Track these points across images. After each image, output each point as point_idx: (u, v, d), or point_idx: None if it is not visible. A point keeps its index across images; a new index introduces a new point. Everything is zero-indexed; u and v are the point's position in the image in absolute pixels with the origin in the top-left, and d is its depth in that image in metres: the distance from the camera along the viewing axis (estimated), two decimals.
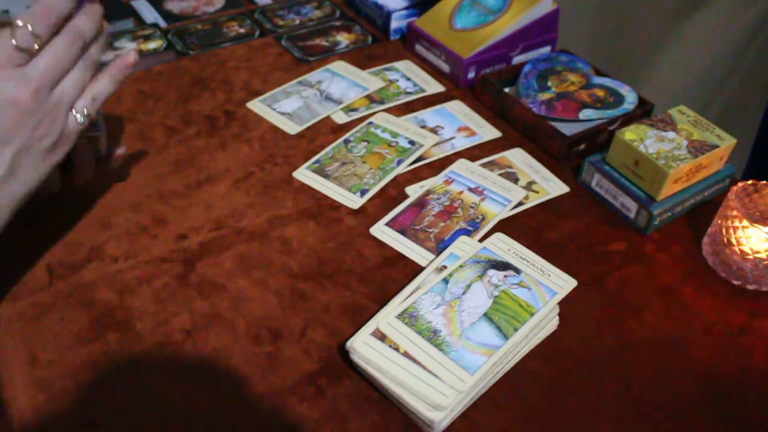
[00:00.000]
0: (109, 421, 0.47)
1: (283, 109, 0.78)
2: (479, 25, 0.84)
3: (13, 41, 0.43)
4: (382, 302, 0.54)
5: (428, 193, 0.67)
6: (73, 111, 0.48)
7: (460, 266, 0.54)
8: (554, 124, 0.73)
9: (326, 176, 0.69)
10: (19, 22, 0.43)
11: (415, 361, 0.47)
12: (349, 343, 0.49)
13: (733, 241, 0.59)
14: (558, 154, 0.72)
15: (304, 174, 0.69)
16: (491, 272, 0.53)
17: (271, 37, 0.93)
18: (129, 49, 0.65)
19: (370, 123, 0.76)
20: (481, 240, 0.58)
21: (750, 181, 0.61)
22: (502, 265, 0.54)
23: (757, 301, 0.59)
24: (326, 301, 0.56)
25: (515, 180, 0.70)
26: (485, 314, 0.50)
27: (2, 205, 0.46)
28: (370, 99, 0.81)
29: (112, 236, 0.60)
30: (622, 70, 1.15)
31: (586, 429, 0.49)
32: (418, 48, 0.89)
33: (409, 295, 0.52)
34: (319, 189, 0.67)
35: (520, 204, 0.67)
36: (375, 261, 0.60)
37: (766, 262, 0.58)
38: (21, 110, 0.43)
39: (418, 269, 0.58)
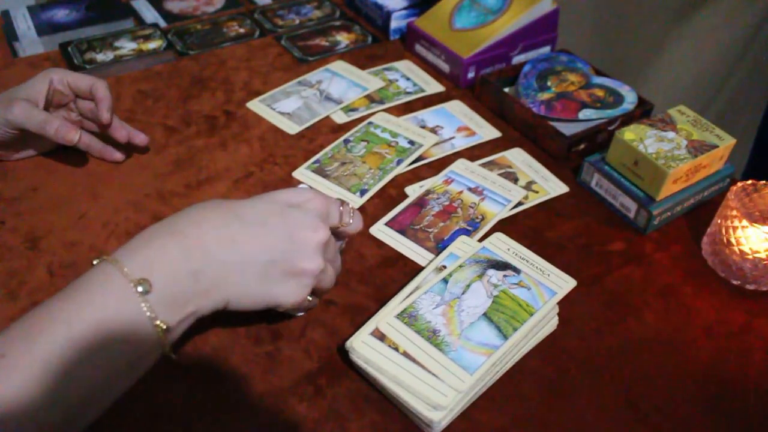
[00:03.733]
0: (109, 421, 0.47)
1: (283, 109, 0.78)
2: (479, 25, 0.84)
3: (347, 218, 0.51)
4: (382, 302, 0.54)
5: (428, 193, 0.67)
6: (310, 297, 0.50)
7: (460, 266, 0.54)
8: (554, 124, 0.73)
9: (326, 176, 0.69)
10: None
11: (414, 360, 0.47)
12: (348, 343, 0.49)
13: (733, 241, 0.59)
14: (558, 154, 0.72)
15: (303, 174, 0.69)
16: (491, 272, 0.53)
17: (271, 37, 0.93)
18: (143, 137, 0.69)
19: (370, 123, 0.76)
20: (480, 240, 0.58)
21: (750, 181, 0.61)
22: (502, 265, 0.54)
23: (756, 301, 0.59)
24: (326, 301, 0.56)
25: (515, 180, 0.70)
26: (485, 314, 0.50)
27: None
28: (370, 99, 0.81)
29: (112, 236, 0.60)
30: (622, 70, 1.15)
31: (586, 429, 0.49)
32: (418, 48, 0.89)
33: (409, 295, 0.52)
34: (319, 189, 0.67)
35: (519, 204, 0.67)
36: (374, 261, 0.60)
37: (765, 262, 0.58)
38: (318, 243, 0.47)
39: (417, 269, 0.58)
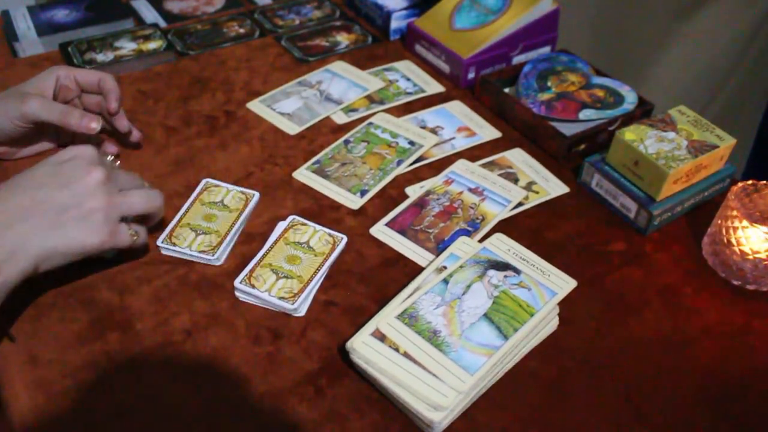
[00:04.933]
0: (109, 421, 0.47)
1: (283, 109, 0.78)
2: (479, 25, 0.84)
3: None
4: (382, 302, 0.54)
5: (428, 193, 0.67)
6: (128, 227, 0.55)
7: (460, 267, 0.54)
8: (554, 124, 0.73)
9: (326, 177, 0.69)
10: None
11: (414, 361, 0.47)
12: (349, 344, 0.49)
13: (733, 241, 0.59)
14: (558, 155, 0.72)
15: (303, 174, 0.69)
16: (491, 272, 0.53)
17: (271, 37, 0.93)
18: (137, 134, 0.71)
19: (370, 123, 0.76)
20: (481, 240, 0.58)
21: (750, 181, 0.61)
22: (502, 266, 0.54)
23: (756, 301, 0.59)
24: (326, 302, 0.56)
25: (515, 180, 0.70)
26: (485, 314, 0.50)
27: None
28: (370, 99, 0.81)
29: None
30: (622, 70, 1.14)
31: (586, 429, 0.49)
32: (418, 48, 0.89)
33: (409, 296, 0.52)
34: (319, 189, 0.67)
35: (520, 204, 0.67)
36: (375, 261, 0.60)
37: (765, 263, 0.58)
38: (96, 182, 0.52)
39: (418, 269, 0.58)
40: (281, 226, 0.60)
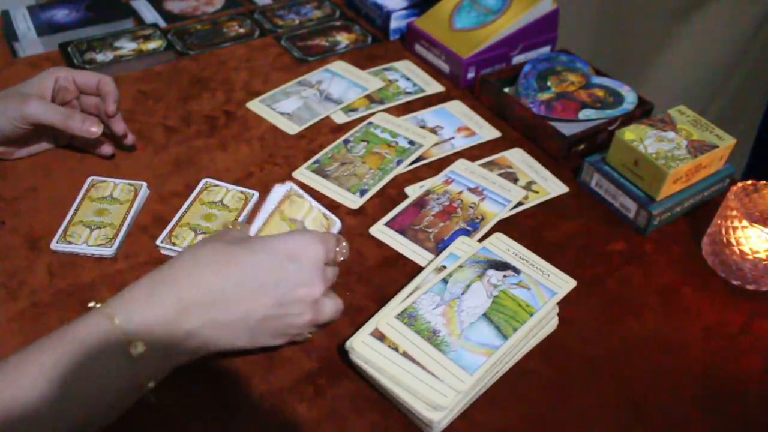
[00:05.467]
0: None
1: (283, 109, 0.78)
2: (479, 25, 0.84)
3: (341, 257, 0.51)
4: (382, 302, 0.54)
5: (428, 193, 0.67)
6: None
7: (460, 266, 0.54)
8: (554, 124, 0.73)
9: (326, 176, 0.69)
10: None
11: (414, 361, 0.47)
12: (348, 343, 0.49)
13: (733, 241, 0.59)
14: (558, 154, 0.72)
15: (303, 174, 0.69)
16: (490, 272, 0.53)
17: (271, 37, 0.93)
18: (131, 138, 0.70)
19: (370, 123, 0.76)
20: (480, 240, 0.58)
21: (750, 181, 0.61)
22: (502, 265, 0.54)
23: (756, 301, 0.59)
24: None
25: (515, 180, 0.70)
26: (484, 314, 0.50)
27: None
28: (370, 99, 0.81)
29: None
30: (622, 70, 1.14)
31: (586, 429, 0.49)
32: (418, 48, 0.89)
33: (409, 295, 0.52)
34: (319, 189, 0.67)
35: (519, 204, 0.67)
36: (374, 261, 0.60)
37: (765, 263, 0.58)
38: (311, 318, 0.48)
39: (417, 269, 0.58)
40: (196, 189, 0.64)
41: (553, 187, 0.69)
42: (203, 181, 0.65)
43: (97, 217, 0.60)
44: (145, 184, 0.64)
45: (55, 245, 0.58)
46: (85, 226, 0.60)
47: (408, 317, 0.50)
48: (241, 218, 0.61)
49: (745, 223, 0.58)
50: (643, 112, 0.75)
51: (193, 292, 0.43)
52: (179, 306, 0.43)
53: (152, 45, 0.87)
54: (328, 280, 0.49)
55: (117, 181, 0.65)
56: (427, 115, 0.79)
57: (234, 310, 0.45)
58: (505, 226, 0.64)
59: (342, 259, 0.51)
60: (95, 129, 0.63)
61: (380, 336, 0.49)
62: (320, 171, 0.69)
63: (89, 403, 0.40)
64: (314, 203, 0.57)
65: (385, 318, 0.50)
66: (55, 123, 0.62)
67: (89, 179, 0.65)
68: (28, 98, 0.61)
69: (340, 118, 0.77)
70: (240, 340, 0.46)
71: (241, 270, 0.45)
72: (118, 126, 0.68)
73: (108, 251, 0.58)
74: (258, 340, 0.47)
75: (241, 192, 0.64)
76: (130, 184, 0.64)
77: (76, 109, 0.67)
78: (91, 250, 0.58)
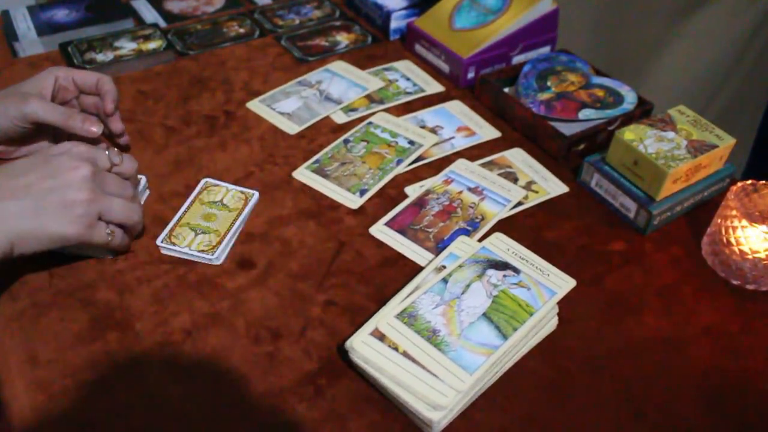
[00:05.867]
0: (109, 421, 0.47)
1: (283, 109, 0.78)
2: (479, 25, 0.84)
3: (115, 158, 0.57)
4: (382, 302, 0.54)
5: (428, 193, 0.67)
6: (107, 226, 0.55)
7: (460, 266, 0.54)
8: (554, 124, 0.73)
9: (326, 176, 0.69)
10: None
11: (414, 360, 0.47)
12: (348, 343, 0.49)
13: (733, 241, 0.59)
14: (557, 154, 0.72)
15: (303, 174, 0.69)
16: (490, 272, 0.53)
17: (271, 37, 0.93)
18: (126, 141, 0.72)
19: (370, 123, 0.76)
20: (480, 240, 0.58)
21: (750, 181, 0.61)
22: (502, 265, 0.54)
23: (756, 301, 0.59)
24: (326, 301, 0.56)
25: (515, 180, 0.70)
26: (484, 314, 0.50)
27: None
28: (370, 99, 0.81)
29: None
30: (622, 70, 1.15)
31: (586, 429, 0.49)
32: (418, 48, 0.89)
33: (409, 295, 0.52)
34: (319, 189, 0.67)
35: (519, 204, 0.67)
36: (374, 261, 0.60)
37: (765, 262, 0.58)
38: (81, 177, 0.53)
39: (417, 269, 0.58)
40: (196, 189, 0.64)
41: (553, 187, 0.69)
42: (203, 181, 0.65)
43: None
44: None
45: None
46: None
47: (408, 317, 0.50)
48: (241, 218, 0.61)
49: (744, 223, 0.58)
50: (642, 112, 0.76)
51: None
52: None
53: (152, 45, 0.87)
54: (110, 184, 0.55)
55: (230, 186, 0.65)
56: (427, 115, 0.79)
57: (8, 195, 0.50)
58: (505, 226, 0.64)
59: (120, 163, 0.57)
60: (95, 129, 0.63)
61: (380, 336, 0.49)
62: (320, 171, 0.69)
63: None
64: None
65: (385, 318, 0.50)
66: (56, 122, 0.62)
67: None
68: (29, 97, 0.62)
69: (340, 118, 0.77)
70: (27, 222, 0.50)
71: (12, 168, 0.53)
72: (116, 125, 0.68)
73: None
74: (46, 221, 0.51)
75: (241, 192, 0.64)
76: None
77: (75, 109, 0.67)
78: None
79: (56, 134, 0.69)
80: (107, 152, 0.56)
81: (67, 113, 0.62)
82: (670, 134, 0.65)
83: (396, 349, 0.48)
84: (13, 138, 0.65)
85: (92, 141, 0.68)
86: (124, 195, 0.57)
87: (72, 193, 0.52)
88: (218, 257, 0.58)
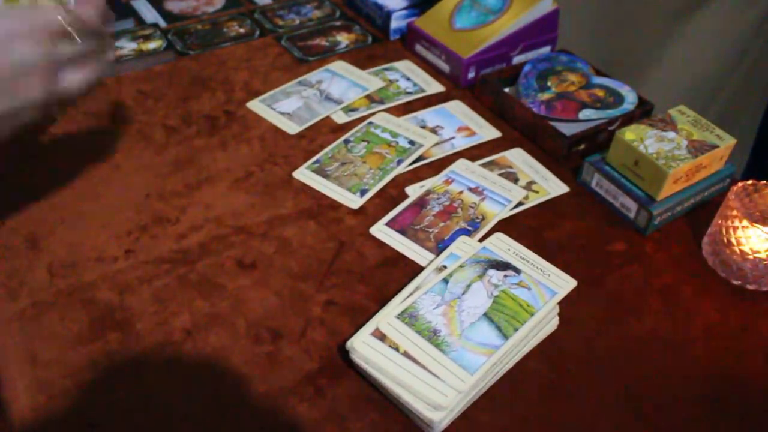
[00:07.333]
0: (109, 421, 0.47)
1: (283, 109, 0.78)
2: (479, 25, 0.84)
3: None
4: (382, 302, 0.54)
5: (428, 193, 0.67)
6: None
7: (460, 266, 0.54)
8: (554, 124, 0.73)
9: (326, 176, 0.69)
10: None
11: (414, 360, 0.47)
12: (348, 343, 0.49)
13: (733, 241, 0.59)
14: (558, 154, 0.72)
15: (304, 174, 0.69)
16: (491, 272, 0.53)
17: (271, 37, 0.93)
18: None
19: (370, 123, 0.76)
20: (481, 240, 0.58)
21: (750, 181, 0.62)
22: (502, 265, 0.54)
23: (756, 301, 0.59)
24: (326, 301, 0.56)
25: (515, 180, 0.70)
26: (485, 314, 0.50)
27: None
28: (370, 99, 0.81)
29: (112, 236, 0.60)
30: (622, 70, 1.14)
31: (586, 429, 0.49)
32: (418, 48, 0.89)
33: (409, 295, 0.52)
34: (319, 189, 0.67)
35: (520, 204, 0.67)
36: (375, 261, 0.60)
37: (766, 262, 0.58)
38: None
39: (418, 269, 0.58)
40: None
41: (553, 187, 0.69)
42: None
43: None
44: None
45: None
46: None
47: (408, 317, 0.50)
48: None
49: (745, 223, 0.58)
50: (643, 112, 0.76)
51: None
52: None
53: (152, 45, 0.87)
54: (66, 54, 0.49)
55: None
56: (428, 115, 0.79)
57: None
58: (505, 226, 0.64)
59: (70, 2, 0.50)
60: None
61: (381, 336, 0.49)
62: (320, 171, 0.69)
63: None
64: None
65: (386, 318, 0.50)
66: None
67: None
68: None
69: (340, 118, 0.77)
70: None
71: None
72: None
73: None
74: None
75: None
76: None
77: None
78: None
79: None
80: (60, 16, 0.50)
81: None
82: (671, 134, 0.65)
83: (397, 349, 0.48)
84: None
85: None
86: (64, 55, 0.49)
87: (12, 25, 0.46)
88: None
